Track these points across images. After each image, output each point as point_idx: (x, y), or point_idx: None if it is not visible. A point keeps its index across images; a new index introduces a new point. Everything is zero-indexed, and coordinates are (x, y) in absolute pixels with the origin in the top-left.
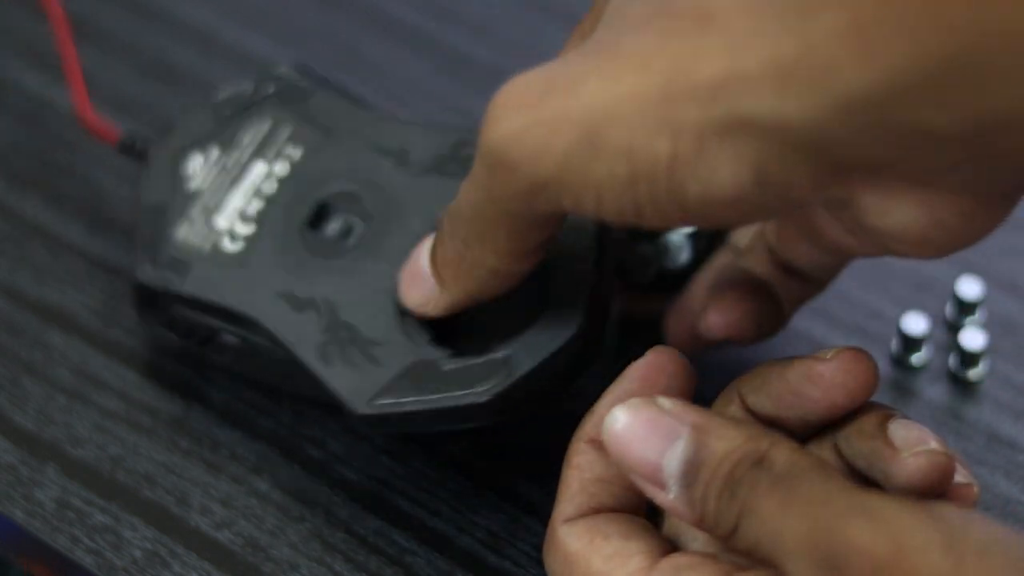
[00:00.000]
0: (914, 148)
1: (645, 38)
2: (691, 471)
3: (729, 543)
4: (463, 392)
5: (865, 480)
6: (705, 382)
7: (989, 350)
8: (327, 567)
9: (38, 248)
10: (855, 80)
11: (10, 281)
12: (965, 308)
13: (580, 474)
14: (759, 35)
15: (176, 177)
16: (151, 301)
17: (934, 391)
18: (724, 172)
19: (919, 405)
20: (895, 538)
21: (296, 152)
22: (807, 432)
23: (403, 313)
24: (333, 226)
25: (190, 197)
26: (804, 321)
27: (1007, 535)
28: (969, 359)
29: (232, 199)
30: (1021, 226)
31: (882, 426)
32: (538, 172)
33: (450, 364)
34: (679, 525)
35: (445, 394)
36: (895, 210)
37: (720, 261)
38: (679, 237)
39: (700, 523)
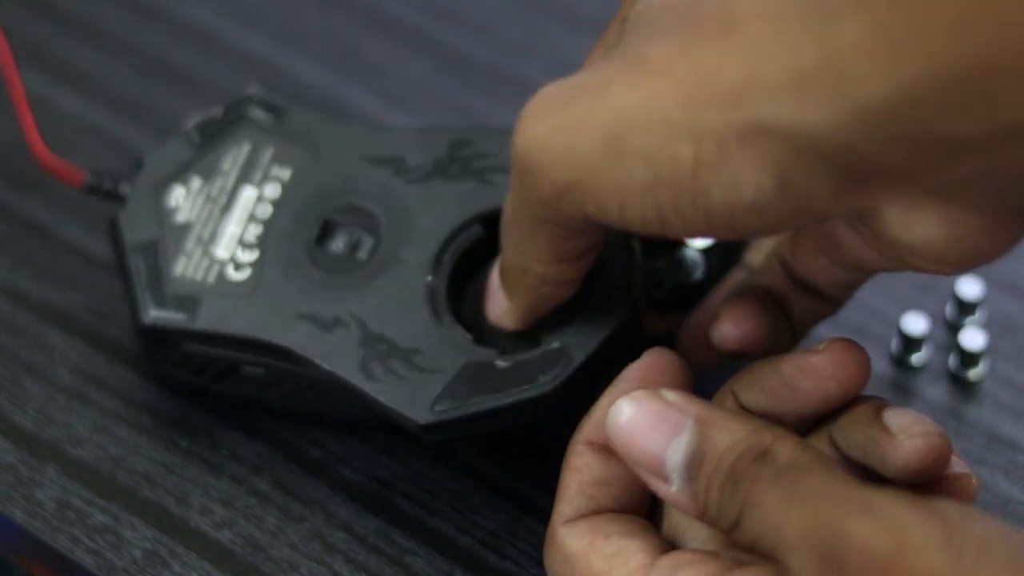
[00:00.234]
0: (935, 157)
1: (668, 46)
2: (694, 464)
3: (731, 536)
4: (526, 387)
5: (862, 471)
6: (704, 383)
7: (989, 350)
8: (327, 567)
9: (38, 248)
10: (876, 88)
11: (10, 281)
12: (965, 308)
13: (579, 476)
14: (781, 42)
15: (160, 212)
16: (159, 343)
17: (934, 391)
18: (747, 178)
19: (919, 405)
20: (895, 534)
21: (284, 172)
22: (801, 427)
23: (436, 319)
24: (339, 242)
25: (181, 230)
26: None
27: (1007, 532)
28: (969, 359)
29: (227, 227)
30: None
31: (877, 414)
32: (561, 176)
33: (504, 362)
34: (678, 525)
35: (508, 391)
36: (917, 224)
37: (735, 279)
38: (694, 253)
39: (703, 516)
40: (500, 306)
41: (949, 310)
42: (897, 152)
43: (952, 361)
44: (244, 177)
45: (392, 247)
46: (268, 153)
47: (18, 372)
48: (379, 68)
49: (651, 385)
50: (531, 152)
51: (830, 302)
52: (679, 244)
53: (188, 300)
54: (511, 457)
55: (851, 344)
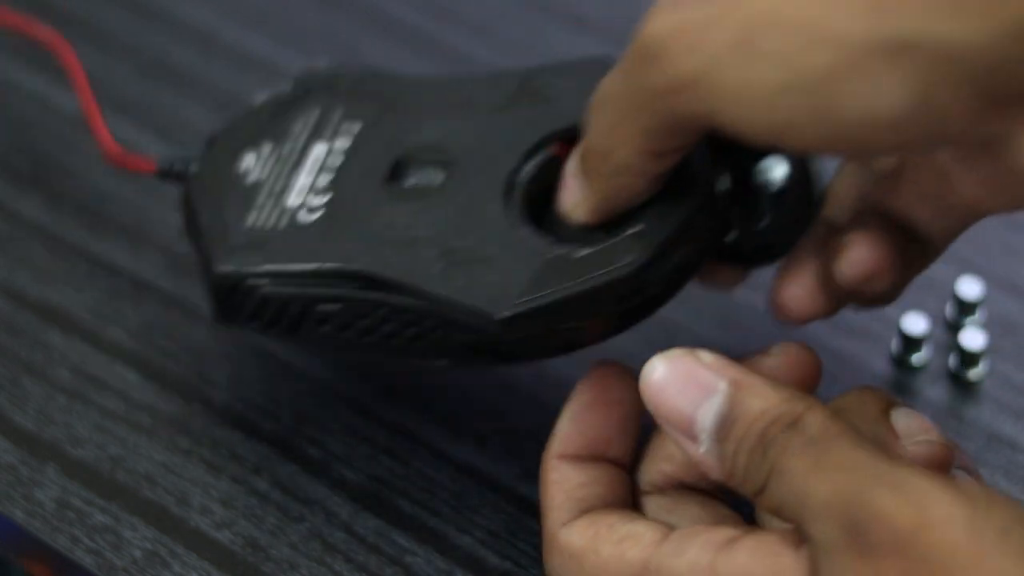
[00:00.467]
0: None
1: None
2: (725, 426)
3: (757, 501)
4: (606, 270)
5: None
6: None
7: (989, 350)
8: (327, 567)
9: (38, 248)
10: None
11: (10, 281)
12: (965, 308)
13: (561, 486)
14: None
15: (231, 177)
16: (232, 293)
17: (934, 391)
18: (885, 92)
19: (919, 405)
20: (919, 510)
21: (354, 126)
22: None
23: (514, 227)
24: (412, 178)
25: (252, 189)
26: None
27: None
28: (969, 359)
29: (298, 180)
30: (1021, 226)
31: (885, 412)
32: (684, 69)
33: (583, 251)
34: (658, 516)
35: (587, 276)
36: None
37: (816, 233)
38: (762, 201)
39: (729, 478)
40: (574, 196)
41: (949, 310)
42: None
43: (952, 361)
44: (314, 135)
45: (465, 173)
46: (338, 112)
47: (18, 372)
48: (379, 68)
49: (605, 396)
50: (658, 39)
51: (928, 252)
52: (752, 192)
53: (259, 244)
54: (511, 457)
55: (803, 347)
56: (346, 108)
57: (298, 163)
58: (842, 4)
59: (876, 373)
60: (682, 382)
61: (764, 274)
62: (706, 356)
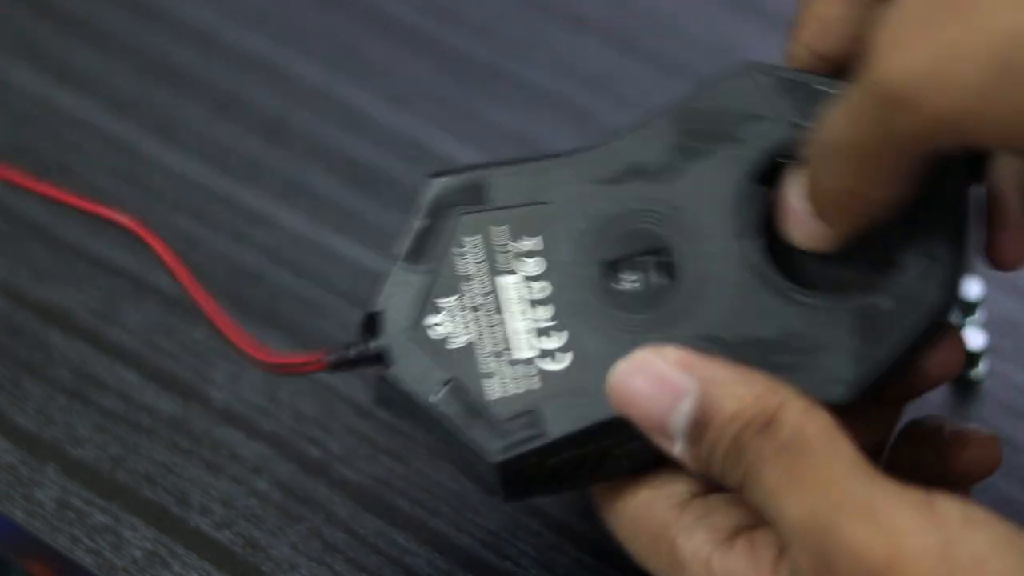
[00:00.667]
0: None
1: None
2: (697, 430)
3: (738, 496)
4: (924, 309)
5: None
6: None
7: (989, 350)
8: (327, 567)
9: (38, 248)
10: None
11: (10, 281)
12: (965, 308)
13: None
14: None
15: (432, 349)
16: (519, 474)
17: (934, 391)
18: None
19: (919, 404)
20: (891, 542)
21: (531, 242)
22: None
23: (779, 293)
24: (631, 276)
25: (466, 355)
26: None
27: (1008, 540)
28: (969, 359)
29: (514, 326)
30: None
31: None
32: (944, 107)
33: (885, 300)
34: None
35: (909, 322)
36: None
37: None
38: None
39: (707, 475)
40: (810, 231)
41: None
42: None
43: None
44: (494, 269)
45: (689, 252)
46: (501, 233)
47: (18, 372)
48: (379, 68)
49: None
50: (903, 82)
51: None
52: None
53: (527, 417)
54: None
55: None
56: (508, 226)
57: (498, 307)
58: None
59: None
60: (650, 386)
61: None
62: (672, 353)
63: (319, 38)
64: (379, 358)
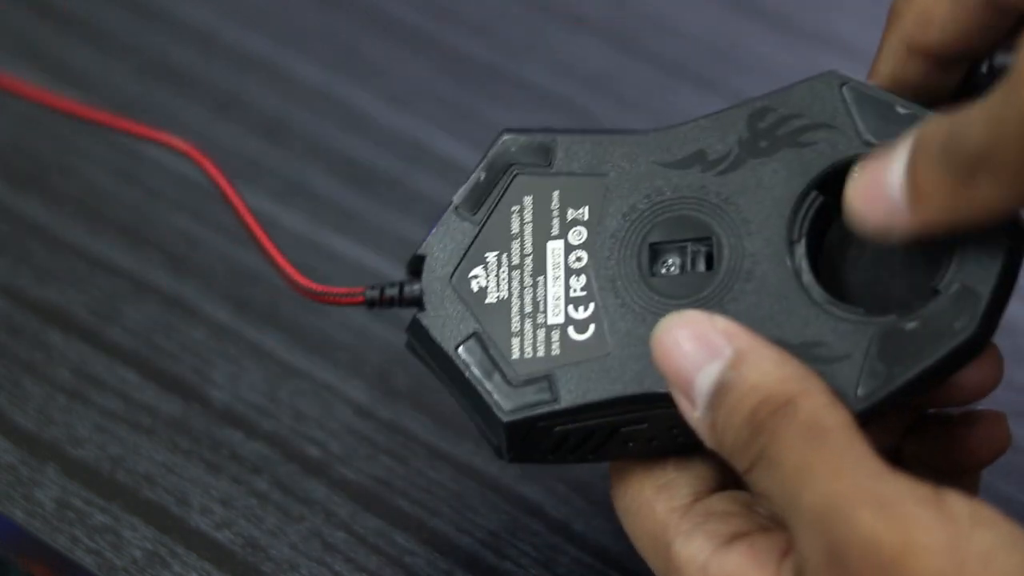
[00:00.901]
0: None
1: None
2: (719, 394)
3: (744, 478)
4: (947, 339)
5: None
6: None
7: None
8: (327, 567)
9: (38, 248)
10: None
11: (10, 281)
12: None
13: None
14: None
15: (466, 300)
16: (527, 436)
17: None
18: None
19: None
20: (903, 533)
21: (581, 212)
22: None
23: (814, 302)
24: (674, 262)
25: (499, 311)
26: None
27: (1015, 539)
28: None
29: (548, 290)
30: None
31: None
32: None
33: (911, 322)
34: None
35: (929, 350)
36: None
37: None
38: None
39: (719, 448)
40: (890, 214)
41: None
42: None
43: None
44: (541, 232)
45: (733, 246)
46: (555, 198)
47: (18, 372)
48: (379, 68)
49: None
50: None
51: None
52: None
53: (542, 380)
54: None
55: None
56: (561, 191)
57: (537, 269)
58: None
59: None
60: (691, 342)
61: None
62: (721, 322)
63: (319, 38)
64: (416, 300)
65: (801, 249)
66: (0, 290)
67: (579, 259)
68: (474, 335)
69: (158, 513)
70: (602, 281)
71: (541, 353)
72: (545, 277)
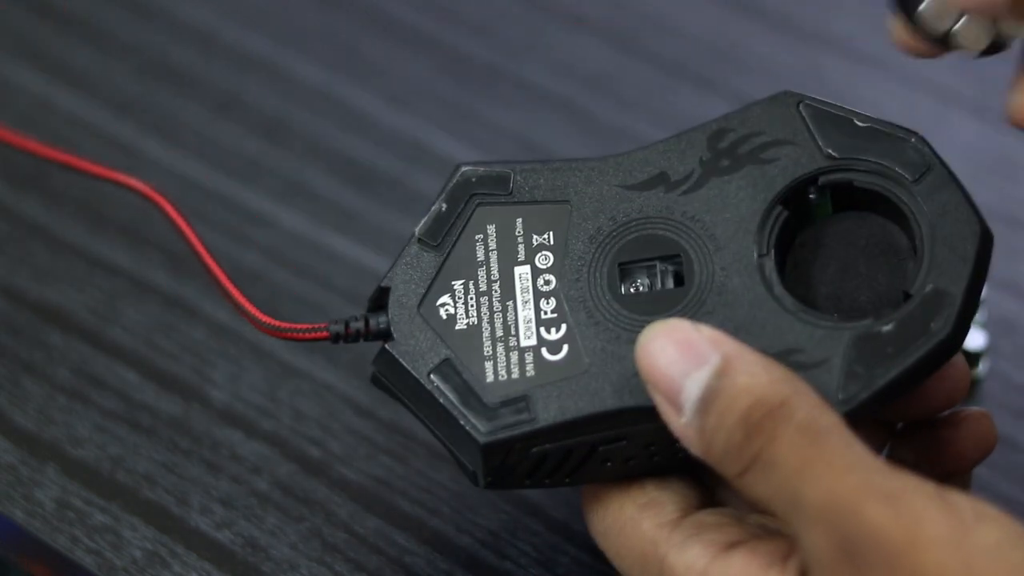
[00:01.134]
0: None
1: None
2: (708, 399)
3: (738, 484)
4: (923, 339)
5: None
6: None
7: (989, 350)
8: (327, 567)
9: (38, 248)
10: None
11: (10, 281)
12: None
13: None
14: None
15: (435, 327)
16: (504, 458)
17: None
18: None
19: None
20: (910, 527)
21: (547, 237)
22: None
23: (788, 312)
24: (643, 281)
25: (469, 337)
26: None
27: (1018, 536)
28: (969, 359)
29: (519, 314)
30: (1021, 226)
31: None
32: None
33: (887, 325)
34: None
35: (908, 351)
36: None
37: None
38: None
39: (707, 454)
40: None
41: None
42: None
43: None
44: (507, 258)
45: (703, 261)
46: (518, 224)
47: (18, 372)
48: (379, 68)
49: None
50: None
51: None
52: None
53: (518, 402)
54: None
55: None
56: (523, 218)
57: (505, 294)
58: None
59: None
60: (677, 349)
61: None
62: (706, 329)
63: (319, 38)
64: (382, 333)
65: (770, 262)
66: (0, 290)
67: (547, 282)
68: (446, 361)
69: (158, 513)
70: (572, 302)
71: (516, 375)
72: (514, 301)
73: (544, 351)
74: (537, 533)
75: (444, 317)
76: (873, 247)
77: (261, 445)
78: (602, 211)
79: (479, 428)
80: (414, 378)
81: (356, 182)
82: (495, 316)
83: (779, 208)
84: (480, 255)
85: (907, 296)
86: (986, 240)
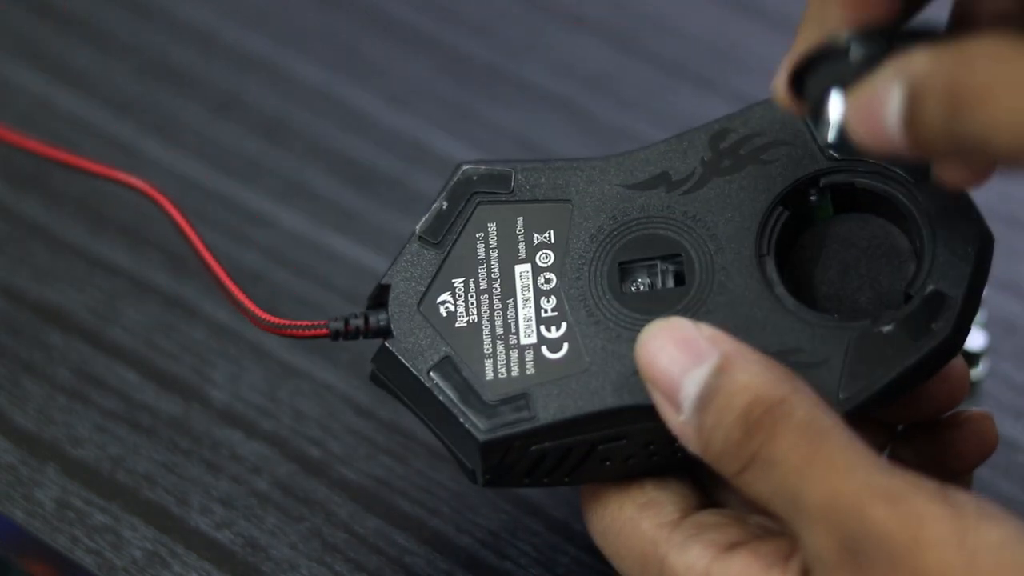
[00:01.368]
0: None
1: None
2: (707, 396)
3: (736, 482)
4: (925, 340)
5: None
6: None
7: (989, 350)
8: (327, 567)
9: (38, 248)
10: None
11: (10, 281)
12: None
13: None
14: None
15: (436, 325)
16: (504, 456)
17: None
18: None
19: None
20: (913, 527)
21: (548, 236)
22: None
23: (788, 312)
24: (644, 280)
25: (470, 335)
26: None
27: (1020, 535)
28: (969, 359)
29: (519, 312)
30: (1021, 226)
31: None
32: None
33: (887, 326)
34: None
35: (908, 351)
36: None
37: None
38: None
39: (705, 452)
40: (885, 138)
41: None
42: None
43: None
44: (508, 256)
45: (704, 261)
46: (518, 223)
47: (18, 372)
48: (379, 68)
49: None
50: None
51: None
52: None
53: (518, 400)
54: None
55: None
56: (524, 216)
57: (506, 292)
58: None
59: None
60: (676, 347)
61: None
62: (706, 328)
63: (319, 38)
64: (382, 330)
65: (771, 262)
66: (0, 290)
67: (548, 280)
68: (446, 359)
69: (158, 513)
70: (573, 301)
71: (516, 373)
72: (515, 299)
73: (544, 349)
74: (537, 533)
75: (444, 315)
76: (874, 248)
77: (261, 445)
78: (603, 210)
79: (478, 426)
80: (413, 376)
81: (356, 182)
82: (495, 314)
83: (780, 209)
84: (481, 253)
85: (908, 297)
86: (987, 241)
